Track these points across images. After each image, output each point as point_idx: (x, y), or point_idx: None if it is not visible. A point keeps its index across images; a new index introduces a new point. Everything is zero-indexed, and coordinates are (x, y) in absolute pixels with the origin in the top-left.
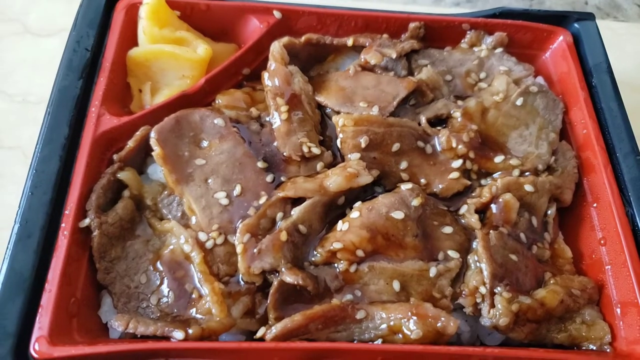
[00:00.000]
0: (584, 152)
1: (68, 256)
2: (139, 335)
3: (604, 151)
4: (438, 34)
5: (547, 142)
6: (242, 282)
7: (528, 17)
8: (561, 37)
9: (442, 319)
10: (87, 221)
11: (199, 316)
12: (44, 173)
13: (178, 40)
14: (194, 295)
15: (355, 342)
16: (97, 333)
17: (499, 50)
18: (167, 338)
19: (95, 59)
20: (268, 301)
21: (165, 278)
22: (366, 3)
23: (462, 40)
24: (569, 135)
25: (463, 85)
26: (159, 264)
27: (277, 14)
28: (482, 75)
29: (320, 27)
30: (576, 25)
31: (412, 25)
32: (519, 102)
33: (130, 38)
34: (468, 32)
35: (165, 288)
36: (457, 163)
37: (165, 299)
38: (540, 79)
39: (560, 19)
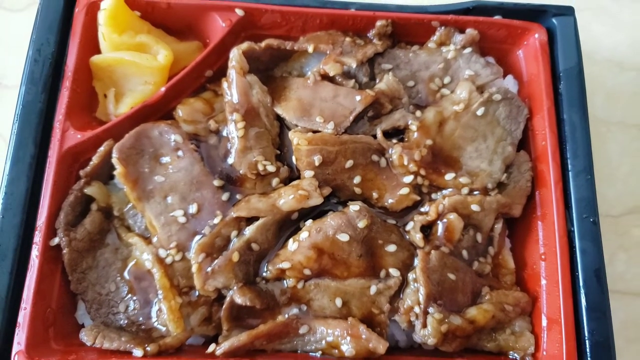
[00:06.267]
0: (539, 164)
1: (41, 274)
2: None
3: (558, 167)
4: (406, 30)
5: (502, 157)
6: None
7: (504, 11)
8: (535, 35)
9: (373, 341)
10: (56, 240)
11: (160, 327)
12: (13, 195)
13: (139, 45)
14: (156, 306)
15: (298, 352)
16: (74, 335)
17: (468, 50)
18: (130, 353)
19: (58, 66)
20: (222, 314)
21: (132, 287)
22: None
23: (431, 39)
24: (529, 142)
25: (426, 91)
26: (126, 274)
27: (239, 12)
28: (447, 80)
29: (285, 24)
30: (554, 20)
31: (379, 23)
32: (480, 112)
33: (92, 40)
34: (438, 29)
35: (131, 297)
36: (409, 178)
37: (132, 307)
38: (509, 79)
39: (537, 13)
